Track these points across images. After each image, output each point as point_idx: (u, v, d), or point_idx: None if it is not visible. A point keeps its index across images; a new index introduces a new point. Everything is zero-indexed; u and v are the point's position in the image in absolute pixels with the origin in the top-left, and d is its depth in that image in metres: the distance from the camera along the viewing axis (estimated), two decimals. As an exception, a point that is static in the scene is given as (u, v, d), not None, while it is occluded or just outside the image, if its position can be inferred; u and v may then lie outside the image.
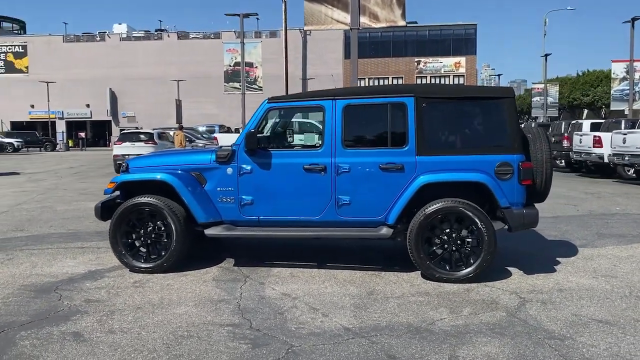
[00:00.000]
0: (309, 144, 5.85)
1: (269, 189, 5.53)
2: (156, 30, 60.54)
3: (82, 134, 53.77)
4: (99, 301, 4.74)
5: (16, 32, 70.79)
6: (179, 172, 5.64)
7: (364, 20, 9.91)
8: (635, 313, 4.38)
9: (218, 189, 5.60)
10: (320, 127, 5.78)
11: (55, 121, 56.85)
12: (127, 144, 18.97)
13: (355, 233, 5.43)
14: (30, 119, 58.24)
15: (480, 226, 5.11)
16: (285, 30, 36.78)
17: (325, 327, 4.09)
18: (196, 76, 51.46)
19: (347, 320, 4.25)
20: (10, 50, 60.09)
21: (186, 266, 5.75)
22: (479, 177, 5.18)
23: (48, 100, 51.74)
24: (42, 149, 46.24)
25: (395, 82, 56.69)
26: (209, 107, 51.67)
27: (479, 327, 4.09)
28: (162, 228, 5.55)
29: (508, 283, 5.24)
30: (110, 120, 59.25)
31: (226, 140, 19.39)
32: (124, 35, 60.64)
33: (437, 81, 56.44)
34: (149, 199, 5.50)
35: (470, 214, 5.11)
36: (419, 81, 55.30)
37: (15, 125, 58.17)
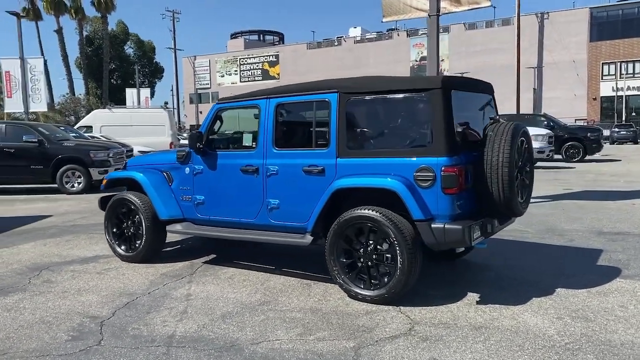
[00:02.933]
0: (246, 144, 5.71)
1: (215, 190, 5.60)
2: (387, 30, 62.36)
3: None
4: (51, 282, 5.47)
5: (276, 43, 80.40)
6: (155, 170, 6.08)
7: (445, 4, 8.94)
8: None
9: (180, 187, 5.88)
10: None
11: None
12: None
13: (280, 239, 5.14)
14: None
15: (392, 240, 4.38)
16: (518, 17, 35.78)
17: (159, 332, 4.06)
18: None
19: (189, 327, 4.13)
20: (266, 60, 68.47)
21: (169, 259, 6.20)
22: (388, 183, 4.43)
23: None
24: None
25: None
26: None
27: (298, 354, 3.60)
28: (137, 222, 6.07)
29: (427, 310, 4.39)
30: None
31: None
32: (358, 38, 63.89)
33: None
34: (128, 195, 6.08)
35: (382, 225, 4.41)
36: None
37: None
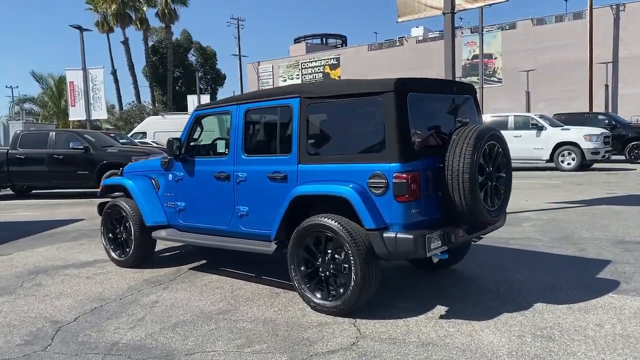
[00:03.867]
0: (220, 151, 5.67)
1: (194, 196, 5.63)
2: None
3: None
4: (40, 285, 5.69)
5: (338, 46, 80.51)
6: (144, 177, 6.19)
7: (460, 1, 8.55)
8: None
9: (165, 194, 5.95)
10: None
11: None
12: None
13: (247, 246, 5.08)
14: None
15: (346, 250, 4.22)
16: (591, 8, 33.87)
17: (106, 339, 4.10)
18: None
19: (137, 335, 4.15)
20: (327, 63, 68.71)
21: (159, 264, 6.32)
22: (340, 191, 4.26)
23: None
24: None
25: None
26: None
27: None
28: (128, 228, 6.20)
29: (383, 324, 4.19)
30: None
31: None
32: (420, 38, 62.88)
33: None
34: (119, 201, 6.23)
35: (337, 234, 4.26)
36: None
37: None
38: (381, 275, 4.38)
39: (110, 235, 6.42)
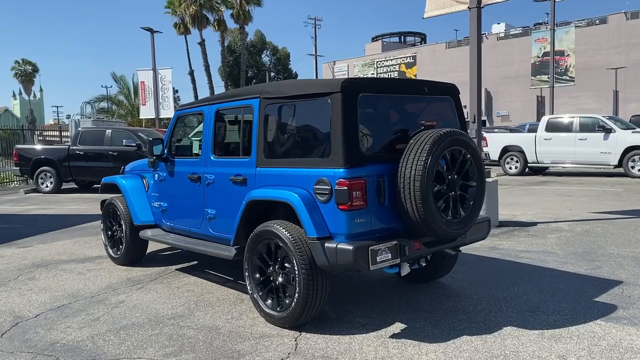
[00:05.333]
0: (195, 152, 5.55)
1: (173, 197, 5.61)
2: (535, 25, 58.03)
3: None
4: (33, 279, 5.89)
5: (417, 44, 79.03)
6: (136, 176, 6.25)
7: (486, -5, 7.97)
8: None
9: (152, 193, 5.98)
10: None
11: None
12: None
13: (211, 249, 4.96)
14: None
15: (292, 259, 4.01)
16: None
17: (49, 338, 4.14)
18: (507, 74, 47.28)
19: (80, 336, 4.16)
20: (403, 62, 67.67)
21: (152, 262, 6.38)
22: (285, 196, 4.04)
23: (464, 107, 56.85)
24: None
25: None
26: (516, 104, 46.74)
27: None
28: (122, 226, 6.29)
29: (325, 340, 3.93)
30: (485, 120, 60.22)
31: (496, 140, 17.87)
32: (502, 34, 60.38)
33: None
34: (114, 200, 6.33)
35: (283, 242, 4.05)
36: None
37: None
38: (329, 288, 4.10)
39: (109, 232, 6.54)
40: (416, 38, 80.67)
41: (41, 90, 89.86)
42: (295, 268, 3.97)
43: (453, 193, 4.07)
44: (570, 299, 4.70)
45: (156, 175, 5.85)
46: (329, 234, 3.88)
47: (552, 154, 16.19)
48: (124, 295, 5.17)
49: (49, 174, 15.47)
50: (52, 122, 69.89)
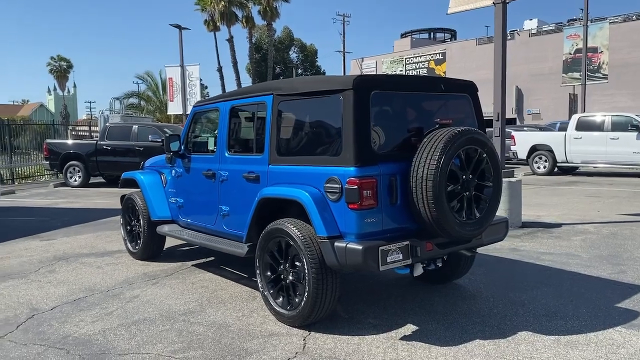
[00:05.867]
0: (210, 148, 5.53)
1: (189, 193, 5.62)
2: (568, 21, 56.69)
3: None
4: (52, 272, 5.98)
5: (447, 40, 77.96)
6: (154, 172, 6.29)
7: (512, -10, 7.76)
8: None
9: (169, 189, 6.01)
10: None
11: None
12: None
13: (224, 246, 4.96)
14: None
15: (302, 257, 3.97)
16: None
17: (61, 332, 4.19)
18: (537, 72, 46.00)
19: (92, 330, 4.20)
20: (432, 58, 66.90)
21: (170, 257, 6.43)
22: (296, 194, 4.00)
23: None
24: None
25: None
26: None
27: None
28: (140, 221, 6.34)
29: (335, 340, 3.88)
30: (515, 118, 59.21)
31: (524, 139, 17.52)
32: (534, 31, 59.17)
33: None
34: (133, 195, 6.39)
35: (293, 240, 4.02)
36: None
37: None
38: (339, 288, 4.05)
39: (128, 227, 6.61)
40: (446, 34, 79.57)
41: (75, 86, 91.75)
42: (305, 267, 3.93)
43: (468, 193, 3.97)
44: (591, 304, 4.55)
45: (173, 171, 5.88)
46: (339, 233, 3.83)
47: (582, 153, 15.78)
48: (138, 290, 5.21)
49: (77, 168, 15.77)
50: (85, 117, 71.33)
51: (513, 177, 7.90)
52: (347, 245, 3.70)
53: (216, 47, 41.85)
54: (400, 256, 3.79)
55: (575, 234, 7.38)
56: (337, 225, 3.84)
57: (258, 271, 4.42)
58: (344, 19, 58.98)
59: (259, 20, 43.69)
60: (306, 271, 3.93)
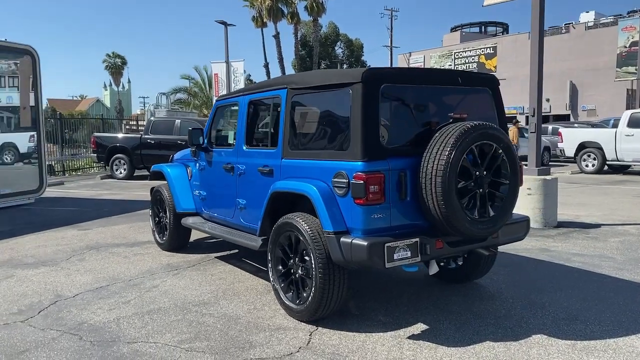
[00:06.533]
0: (230, 142, 5.53)
1: (211, 186, 5.69)
2: (628, 13, 54.21)
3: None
4: (82, 260, 6.18)
5: (498, 34, 75.94)
6: (181, 165, 6.40)
7: (549, -20, 7.44)
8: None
9: (194, 182, 6.10)
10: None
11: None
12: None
13: (240, 239, 4.99)
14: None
15: (309, 252, 3.95)
16: None
17: (78, 318, 4.33)
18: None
19: (107, 318, 4.31)
20: (483, 52, 65.35)
21: (194, 249, 6.53)
22: (304, 188, 3.98)
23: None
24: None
25: None
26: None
27: (150, 358, 3.53)
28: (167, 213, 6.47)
29: (341, 336, 3.85)
30: (569, 114, 57.20)
31: (571, 136, 16.90)
32: (590, 24, 56.88)
33: None
34: (161, 187, 6.53)
35: (301, 234, 4.01)
36: None
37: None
38: (347, 285, 4.01)
39: (156, 219, 6.75)
40: (498, 28, 77.52)
41: (129, 81, 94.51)
42: (312, 262, 3.90)
43: (481, 190, 3.84)
44: (616, 308, 4.33)
45: (197, 164, 5.96)
46: (346, 229, 3.78)
47: (634, 151, 15.06)
48: (159, 280, 5.31)
49: (122, 161, 16.26)
50: (139, 112, 73.43)
51: (549, 174, 7.61)
52: (353, 241, 3.65)
53: (263, 43, 42.19)
54: (409, 253, 3.71)
55: (613, 235, 7.05)
56: (344, 220, 3.79)
57: (270, 264, 4.43)
58: (391, 13, 58.36)
59: (305, 16, 43.82)
60: (313, 266, 3.91)
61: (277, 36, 41.72)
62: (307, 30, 50.58)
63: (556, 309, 4.34)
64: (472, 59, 65.43)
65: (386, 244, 3.61)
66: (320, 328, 4.00)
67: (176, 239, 6.39)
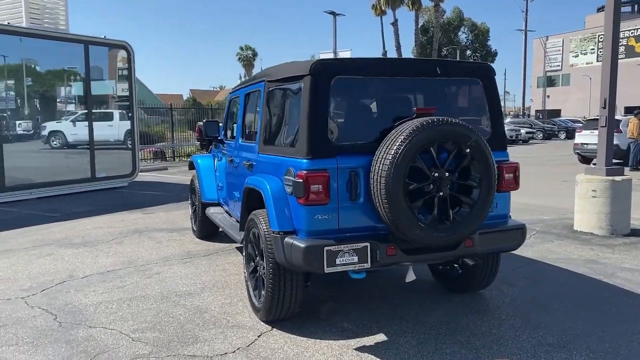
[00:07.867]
0: (233, 135, 5.41)
1: (221, 178, 5.77)
2: None
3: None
4: (120, 244, 6.58)
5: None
6: (212, 156, 6.55)
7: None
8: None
9: (217, 173, 6.21)
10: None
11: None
12: (586, 132, 17.17)
13: (232, 232, 4.96)
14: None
15: (264, 251, 3.85)
16: None
17: (69, 299, 4.60)
18: None
19: (94, 300, 4.54)
20: (633, 35, 59.07)
21: (222, 238, 6.64)
22: (258, 185, 3.86)
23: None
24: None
25: None
26: None
27: (101, 342, 3.68)
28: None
29: (290, 340, 3.70)
30: None
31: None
32: None
33: None
34: (194, 177, 6.74)
35: (259, 231, 3.90)
36: None
37: (628, 110, 56.97)
38: (300, 288, 3.82)
39: (193, 206, 6.99)
40: (637, 6, 69.31)
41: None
42: (264, 262, 3.78)
43: (441, 194, 3.43)
44: (621, 339, 3.66)
45: (217, 156, 6.05)
46: (294, 229, 3.59)
47: None
48: (167, 267, 5.49)
49: (220, 149, 17.04)
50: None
51: (620, 175, 6.64)
52: (293, 242, 3.46)
53: (382, 31, 41.96)
54: (355, 259, 3.43)
55: (690, 249, 5.98)
56: (291, 220, 3.61)
57: (244, 260, 4.37)
58: (528, -5, 54.65)
59: (426, 2, 42.59)
60: (264, 266, 3.78)
61: (395, 24, 41.06)
62: (430, 16, 49.13)
63: (549, 332, 3.78)
64: (620, 42, 59.04)
65: (326, 247, 3.37)
66: (274, 330, 3.87)
67: (205, 227, 6.55)
